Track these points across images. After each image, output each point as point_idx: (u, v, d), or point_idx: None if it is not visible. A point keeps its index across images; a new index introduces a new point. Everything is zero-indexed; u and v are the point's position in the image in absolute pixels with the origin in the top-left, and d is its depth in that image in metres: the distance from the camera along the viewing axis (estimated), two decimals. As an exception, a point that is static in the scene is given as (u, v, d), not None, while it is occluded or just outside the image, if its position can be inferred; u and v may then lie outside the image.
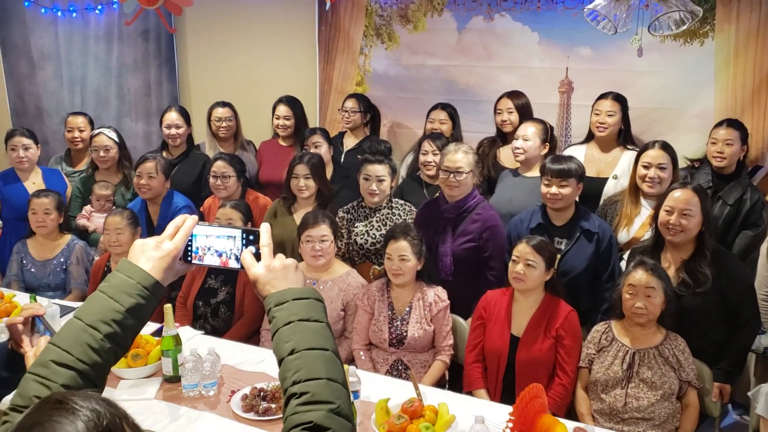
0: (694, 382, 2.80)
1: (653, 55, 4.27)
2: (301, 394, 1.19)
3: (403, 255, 3.18)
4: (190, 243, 1.40)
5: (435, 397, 2.67)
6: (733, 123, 3.77)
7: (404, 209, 3.77)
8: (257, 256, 1.37)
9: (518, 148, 3.82)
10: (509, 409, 2.59)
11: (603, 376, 2.84)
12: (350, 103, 4.68)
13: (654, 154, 3.48)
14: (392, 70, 5.08)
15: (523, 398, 2.24)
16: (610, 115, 3.86)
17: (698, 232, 3.02)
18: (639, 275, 2.82)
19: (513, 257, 3.07)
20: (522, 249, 3.04)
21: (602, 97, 3.92)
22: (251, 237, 1.40)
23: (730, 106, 4.13)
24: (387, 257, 3.23)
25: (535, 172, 3.72)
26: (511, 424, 2.25)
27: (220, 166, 4.03)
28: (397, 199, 3.83)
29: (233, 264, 1.41)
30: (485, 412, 2.50)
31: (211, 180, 4.04)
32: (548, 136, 3.89)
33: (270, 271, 1.34)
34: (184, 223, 1.39)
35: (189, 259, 1.41)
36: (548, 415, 2.31)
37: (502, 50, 4.71)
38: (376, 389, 2.75)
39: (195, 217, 1.41)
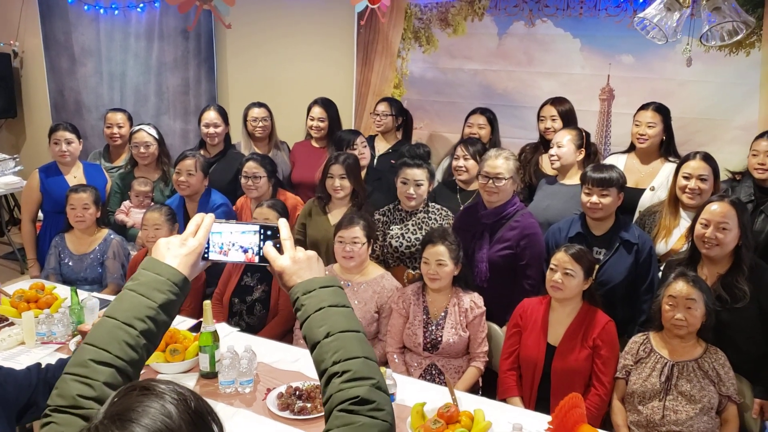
0: (735, 397, 2.75)
1: (697, 65, 4.21)
2: (342, 373, 1.24)
3: (441, 260, 3.17)
4: (207, 241, 1.44)
5: (470, 403, 2.65)
6: None
7: (440, 214, 3.76)
8: (279, 250, 1.41)
9: (553, 155, 3.79)
10: (545, 417, 2.58)
11: (640, 388, 2.80)
12: (382, 107, 4.66)
13: (695, 165, 3.41)
14: (429, 73, 5.08)
15: (562, 407, 2.21)
16: (650, 126, 3.78)
17: (735, 246, 2.96)
18: (680, 287, 2.78)
19: (551, 265, 3.04)
20: (560, 258, 3.01)
21: (643, 107, 3.84)
22: (269, 232, 1.44)
23: (776, 117, 4.06)
24: (424, 261, 3.22)
25: (573, 180, 3.68)
26: (549, 433, 2.22)
27: (251, 166, 4.05)
28: (433, 204, 3.82)
29: (256, 260, 1.45)
30: (521, 419, 2.47)
31: (243, 180, 4.07)
32: (584, 142, 3.84)
33: (295, 262, 1.39)
34: (203, 220, 1.43)
35: (206, 255, 1.44)
36: (587, 425, 2.28)
37: (542, 56, 4.69)
38: (410, 393, 2.74)
39: (212, 215, 1.45)
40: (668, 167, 3.83)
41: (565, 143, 3.76)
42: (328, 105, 4.67)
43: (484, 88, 4.90)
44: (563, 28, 4.58)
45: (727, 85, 4.17)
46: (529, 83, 4.76)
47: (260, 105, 4.76)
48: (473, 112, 4.41)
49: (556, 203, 3.72)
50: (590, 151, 3.90)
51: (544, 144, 4.25)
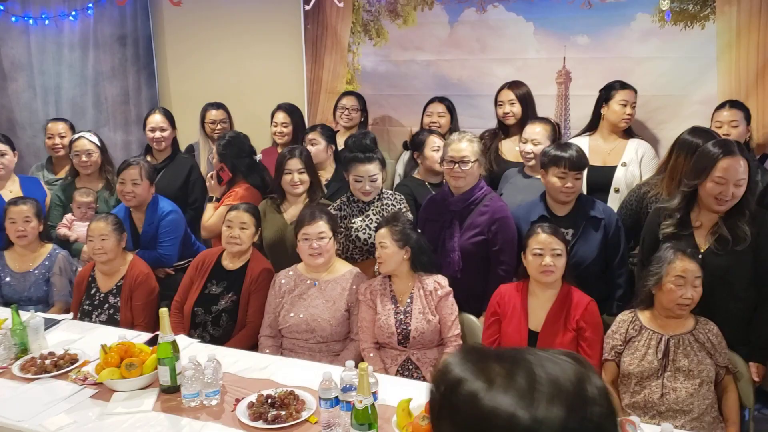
0: (731, 367, 2.65)
1: (653, 41, 4.15)
2: None
3: (382, 242, 3.07)
4: None
5: (457, 396, 2.48)
6: (735, 104, 3.69)
7: (395, 198, 3.64)
8: None
9: (529, 153, 3.64)
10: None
11: (637, 368, 2.66)
12: (351, 101, 4.57)
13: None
14: (381, 66, 4.92)
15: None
16: (633, 107, 3.82)
17: None
18: (686, 264, 2.64)
19: (536, 250, 2.87)
20: (544, 240, 2.87)
21: (627, 87, 3.84)
22: None
23: (734, 90, 4.02)
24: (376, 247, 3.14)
25: None
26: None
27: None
28: (386, 190, 3.68)
29: None
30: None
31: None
32: (557, 135, 3.75)
33: None
34: None
35: None
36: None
37: (496, 42, 4.57)
38: (391, 391, 2.56)
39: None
40: (634, 143, 3.86)
41: (540, 138, 3.62)
42: (291, 110, 4.53)
43: (438, 79, 4.76)
44: (515, 12, 4.48)
45: (684, 60, 4.11)
46: (484, 71, 4.64)
47: (218, 106, 4.68)
48: (431, 101, 4.30)
49: (530, 197, 3.50)
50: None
51: (503, 130, 4.17)
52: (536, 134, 3.65)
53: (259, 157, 4.18)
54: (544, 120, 3.79)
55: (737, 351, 2.77)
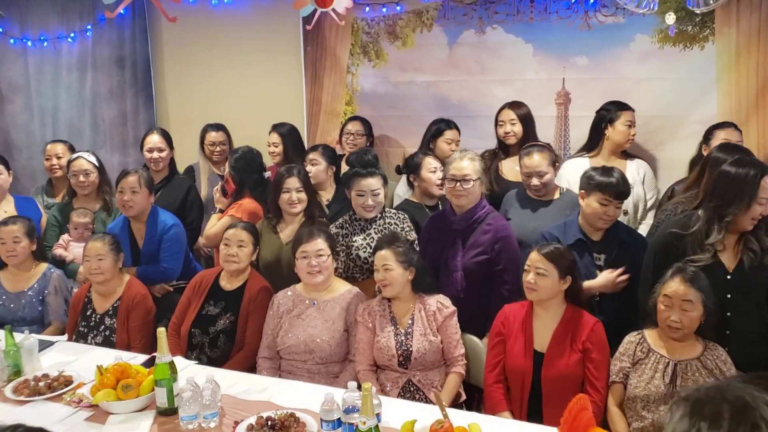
0: None
1: (652, 62, 4.16)
2: None
3: (386, 264, 3.00)
4: None
5: (462, 418, 2.42)
6: (731, 125, 3.70)
7: (398, 217, 3.60)
8: None
9: (537, 185, 3.56)
10: (544, 429, 2.38)
11: (643, 392, 2.60)
12: (356, 126, 4.60)
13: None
14: (380, 88, 4.92)
15: (571, 411, 2.01)
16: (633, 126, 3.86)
17: None
18: (676, 286, 2.60)
19: (525, 266, 2.89)
20: (532, 257, 2.87)
21: (627, 108, 3.85)
22: None
23: (734, 110, 4.02)
24: (375, 269, 3.07)
25: (555, 195, 3.60)
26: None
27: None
28: (388, 208, 3.65)
29: None
30: (520, 432, 2.26)
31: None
32: (555, 157, 3.68)
33: None
34: None
35: None
36: (598, 428, 2.08)
37: (495, 63, 4.58)
38: (394, 414, 2.49)
39: None
40: (633, 163, 3.90)
41: (545, 168, 3.55)
42: (281, 129, 4.52)
43: (438, 100, 4.76)
44: (514, 34, 4.49)
45: (684, 81, 4.12)
46: (483, 92, 4.64)
47: (218, 128, 4.71)
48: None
49: (544, 223, 3.43)
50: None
51: (503, 149, 4.14)
52: (540, 165, 3.54)
53: (268, 174, 4.17)
54: (539, 147, 3.67)
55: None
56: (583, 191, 3.17)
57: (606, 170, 3.18)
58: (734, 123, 3.76)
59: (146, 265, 3.78)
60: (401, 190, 4.26)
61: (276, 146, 4.46)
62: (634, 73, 4.21)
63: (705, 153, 3.55)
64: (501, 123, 4.07)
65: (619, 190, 3.10)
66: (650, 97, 4.18)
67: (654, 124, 4.20)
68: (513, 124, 4.01)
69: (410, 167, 3.95)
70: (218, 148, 4.65)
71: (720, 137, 3.61)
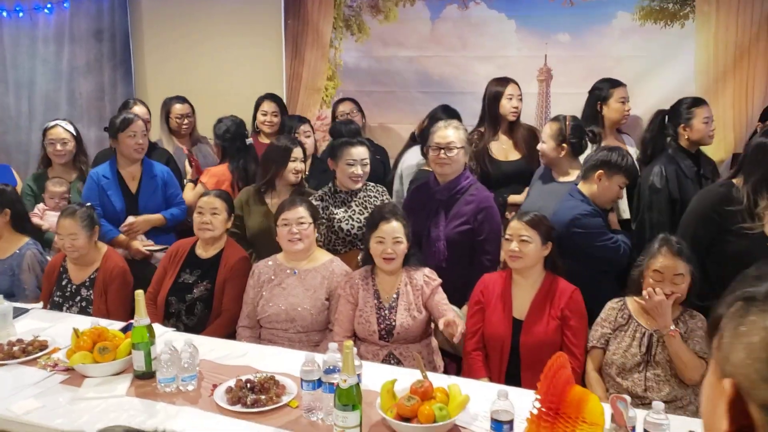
0: (708, 357, 2.61)
1: (633, 39, 4.19)
2: None
3: (397, 237, 2.92)
4: None
5: (441, 381, 2.42)
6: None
7: (377, 190, 3.60)
8: None
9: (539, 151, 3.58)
10: (523, 392, 2.38)
11: (620, 359, 2.63)
12: (349, 106, 4.56)
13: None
14: (363, 62, 4.89)
15: (549, 369, 2.01)
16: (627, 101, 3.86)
17: None
18: (665, 260, 2.61)
19: (506, 236, 2.90)
20: (514, 226, 2.88)
21: (619, 84, 3.83)
22: None
23: (711, 88, 4.06)
24: (378, 240, 2.95)
25: (570, 177, 3.46)
26: (538, 400, 2.01)
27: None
28: (368, 182, 3.63)
29: None
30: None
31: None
32: (565, 137, 3.47)
33: None
34: None
35: None
36: (578, 386, 2.09)
37: (477, 39, 4.58)
38: (374, 377, 2.48)
39: None
40: (627, 138, 3.96)
41: (545, 138, 3.52)
42: (278, 99, 4.54)
43: (420, 75, 4.75)
44: (497, 10, 4.49)
45: (663, 58, 4.15)
46: (465, 68, 4.64)
47: (182, 100, 4.61)
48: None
49: (551, 203, 3.35)
50: (581, 142, 3.54)
51: (492, 127, 3.95)
52: (544, 133, 3.55)
53: (249, 140, 4.21)
54: (554, 119, 3.57)
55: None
56: (601, 172, 3.16)
57: (623, 154, 3.23)
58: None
59: (170, 210, 3.92)
60: (413, 161, 4.13)
61: (275, 115, 4.44)
62: (616, 50, 4.24)
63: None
64: (509, 96, 3.92)
65: (635, 176, 3.24)
66: (630, 74, 4.18)
67: (633, 100, 4.20)
68: (520, 99, 3.94)
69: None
70: (185, 121, 4.57)
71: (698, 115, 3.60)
